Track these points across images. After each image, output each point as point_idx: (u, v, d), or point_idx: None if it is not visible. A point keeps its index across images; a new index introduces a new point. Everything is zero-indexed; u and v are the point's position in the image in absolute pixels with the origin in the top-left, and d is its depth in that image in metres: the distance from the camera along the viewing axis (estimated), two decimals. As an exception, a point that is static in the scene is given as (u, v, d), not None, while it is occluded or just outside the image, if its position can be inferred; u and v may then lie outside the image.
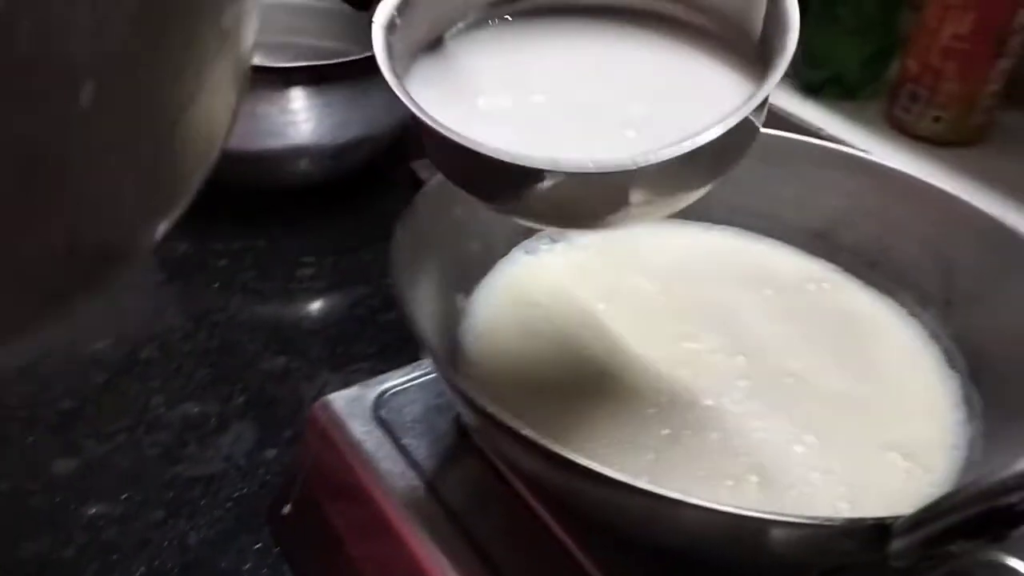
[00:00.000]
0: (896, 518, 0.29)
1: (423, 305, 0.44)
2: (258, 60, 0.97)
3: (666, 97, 0.38)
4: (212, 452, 0.69)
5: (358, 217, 0.95)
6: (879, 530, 0.29)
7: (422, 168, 1.01)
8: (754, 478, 0.42)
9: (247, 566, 0.62)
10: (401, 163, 1.03)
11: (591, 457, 0.41)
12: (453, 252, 0.51)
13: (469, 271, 0.53)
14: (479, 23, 0.43)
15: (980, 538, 0.31)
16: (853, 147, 0.61)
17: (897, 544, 0.29)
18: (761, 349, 0.49)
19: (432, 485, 0.48)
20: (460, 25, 0.43)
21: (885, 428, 0.45)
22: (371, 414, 0.52)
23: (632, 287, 0.54)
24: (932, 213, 0.53)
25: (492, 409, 0.34)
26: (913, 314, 0.53)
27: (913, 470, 0.43)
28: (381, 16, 0.40)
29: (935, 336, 0.52)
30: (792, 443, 0.44)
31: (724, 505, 0.29)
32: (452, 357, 0.47)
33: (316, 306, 0.84)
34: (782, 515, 0.31)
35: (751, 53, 0.39)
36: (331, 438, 0.52)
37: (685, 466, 0.42)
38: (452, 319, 0.50)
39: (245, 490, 0.67)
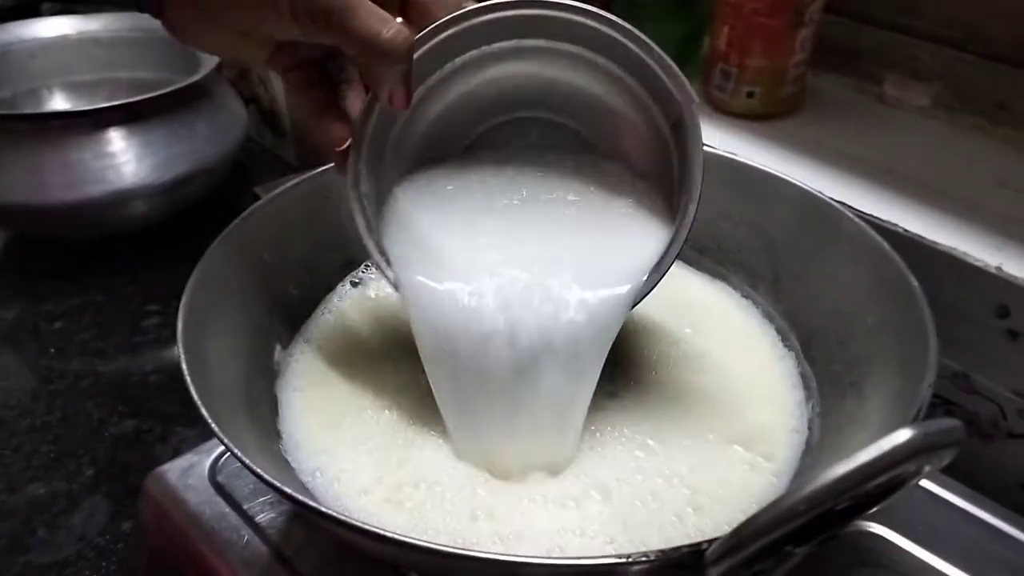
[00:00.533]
0: (711, 542, 0.29)
1: (224, 369, 0.42)
2: (66, 103, 0.91)
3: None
4: (64, 534, 0.65)
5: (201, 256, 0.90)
6: (694, 557, 0.29)
7: (265, 191, 0.98)
8: (596, 495, 0.41)
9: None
10: (244, 188, 0.99)
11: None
12: (264, 300, 0.48)
13: (288, 318, 0.50)
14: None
15: (807, 542, 0.31)
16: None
17: (715, 570, 0.28)
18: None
19: (279, 552, 0.45)
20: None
21: (727, 420, 0.45)
22: (208, 481, 0.49)
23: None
24: (752, 194, 0.53)
25: (294, 495, 0.32)
26: (746, 296, 0.54)
27: (756, 461, 0.43)
28: (350, 178, 0.43)
29: (769, 316, 0.52)
30: (634, 450, 0.43)
31: (537, 557, 0.28)
32: (265, 423, 0.44)
33: (165, 357, 0.79)
34: (594, 558, 0.30)
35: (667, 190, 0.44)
36: (167, 513, 0.48)
37: (524, 492, 0.41)
38: (265, 377, 0.47)
39: (104, 570, 0.63)
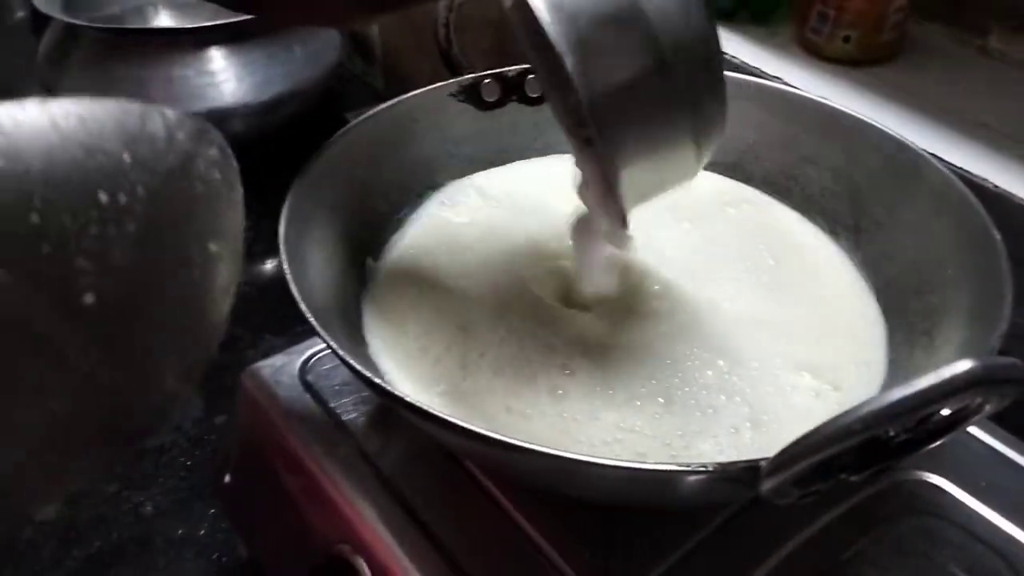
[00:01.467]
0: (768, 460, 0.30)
1: (319, 277, 0.45)
2: (171, 21, 0.95)
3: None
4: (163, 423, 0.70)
5: (294, 175, 0.93)
6: (751, 472, 0.30)
7: (355, 117, 1.00)
8: (660, 400, 0.42)
9: (202, 532, 0.64)
10: (335, 114, 1.02)
11: (501, 408, 0.42)
12: (356, 214, 0.51)
13: (377, 233, 0.53)
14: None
15: (862, 471, 0.32)
16: (765, 74, 0.61)
17: (767, 484, 0.30)
18: (676, 279, 0.50)
19: (363, 450, 0.49)
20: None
21: (799, 348, 0.46)
22: (299, 380, 0.53)
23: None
24: (841, 139, 0.53)
25: (388, 389, 0.35)
26: (831, 234, 0.54)
27: (822, 389, 0.44)
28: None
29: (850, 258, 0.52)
30: (704, 367, 0.44)
31: (597, 457, 0.30)
32: (353, 330, 0.47)
33: (256, 271, 0.84)
34: (653, 464, 0.32)
35: None
36: (260, 406, 0.52)
37: (601, 388, 0.43)
38: (354, 287, 0.50)
39: (197, 458, 0.68)
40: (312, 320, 0.38)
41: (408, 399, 0.34)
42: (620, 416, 0.42)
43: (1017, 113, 0.58)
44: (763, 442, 0.40)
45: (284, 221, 0.44)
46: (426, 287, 0.50)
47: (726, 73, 0.56)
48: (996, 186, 0.52)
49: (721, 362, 0.44)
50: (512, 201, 0.56)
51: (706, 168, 0.58)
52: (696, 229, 0.55)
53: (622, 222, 0.38)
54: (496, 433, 0.32)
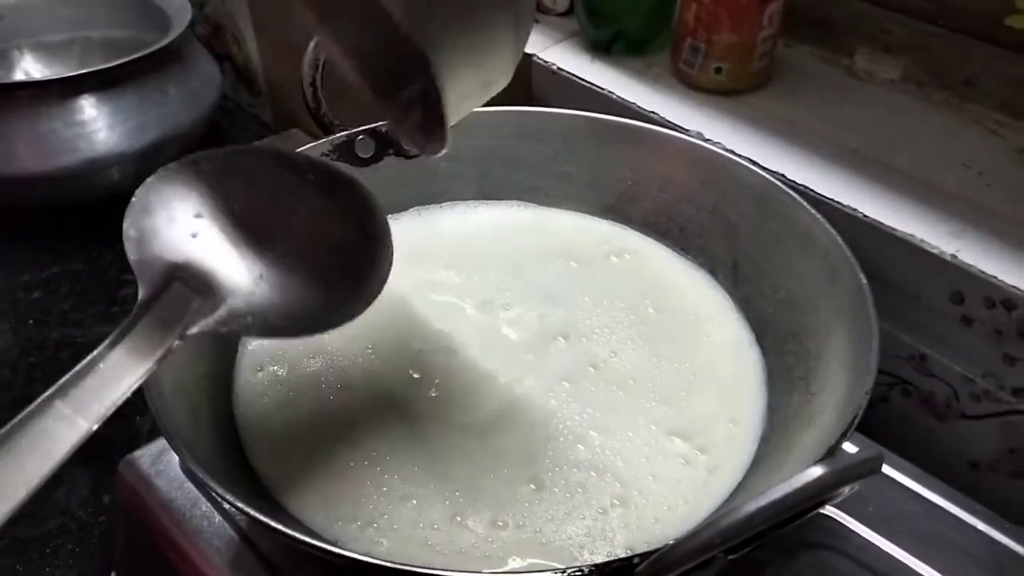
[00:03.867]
0: (643, 556, 0.30)
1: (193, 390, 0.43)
2: (37, 64, 0.89)
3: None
4: (48, 508, 0.67)
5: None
6: (624, 571, 0.30)
7: (243, 156, 0.97)
8: (531, 486, 0.42)
9: (96, 624, 0.61)
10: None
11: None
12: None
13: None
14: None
15: (737, 552, 0.32)
16: (641, 109, 0.61)
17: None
18: (569, 331, 0.50)
19: (247, 537, 0.47)
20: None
21: (671, 411, 0.46)
22: (180, 468, 0.50)
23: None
24: (714, 179, 0.53)
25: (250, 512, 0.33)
26: (712, 272, 0.54)
27: (692, 454, 0.44)
28: None
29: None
30: (576, 442, 0.44)
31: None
32: (222, 425, 0.45)
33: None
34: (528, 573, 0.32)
35: None
36: (141, 497, 0.50)
37: (479, 474, 0.42)
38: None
39: (85, 545, 0.65)
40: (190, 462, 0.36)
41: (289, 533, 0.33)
42: (494, 501, 0.41)
43: (887, 135, 0.59)
44: (630, 520, 0.40)
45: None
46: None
47: (599, 116, 0.57)
48: (866, 215, 0.53)
49: (594, 434, 0.44)
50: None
51: (585, 211, 0.58)
52: (583, 269, 0.55)
53: (443, 144, 0.36)
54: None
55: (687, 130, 0.59)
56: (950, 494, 0.49)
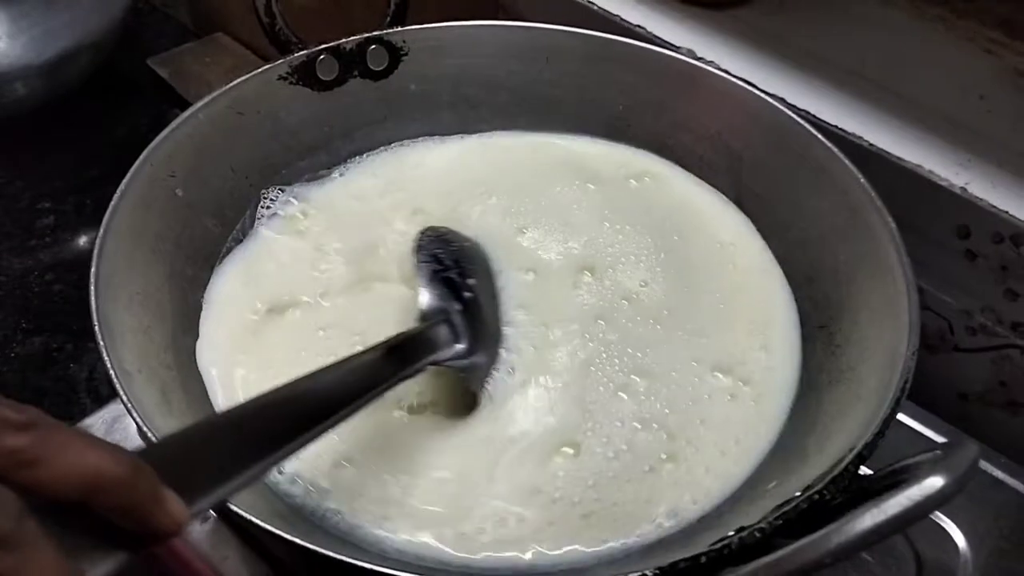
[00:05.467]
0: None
1: (150, 341, 0.37)
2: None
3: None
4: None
5: (99, 137, 0.81)
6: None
7: (161, 64, 0.88)
8: (568, 449, 0.39)
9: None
10: (137, 60, 0.89)
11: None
12: (184, 246, 0.43)
13: (211, 257, 0.45)
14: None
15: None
16: (625, 22, 0.56)
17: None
18: (595, 263, 0.47)
19: (226, 513, 0.43)
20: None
21: (711, 344, 0.43)
22: (139, 437, 0.45)
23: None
24: (716, 103, 0.49)
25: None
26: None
27: (737, 388, 0.41)
28: None
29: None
30: (617, 391, 0.41)
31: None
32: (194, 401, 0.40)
33: (67, 260, 0.72)
34: None
35: None
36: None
37: (500, 443, 0.39)
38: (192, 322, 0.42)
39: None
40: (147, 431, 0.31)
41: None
42: (527, 476, 0.38)
43: (883, 55, 0.56)
44: (681, 476, 0.38)
45: (94, 284, 0.36)
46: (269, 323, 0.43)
47: (587, 32, 0.52)
48: (872, 144, 0.50)
49: (637, 379, 0.41)
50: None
51: (584, 133, 0.53)
52: (600, 191, 0.50)
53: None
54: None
55: (677, 47, 0.54)
56: (938, 425, 0.48)
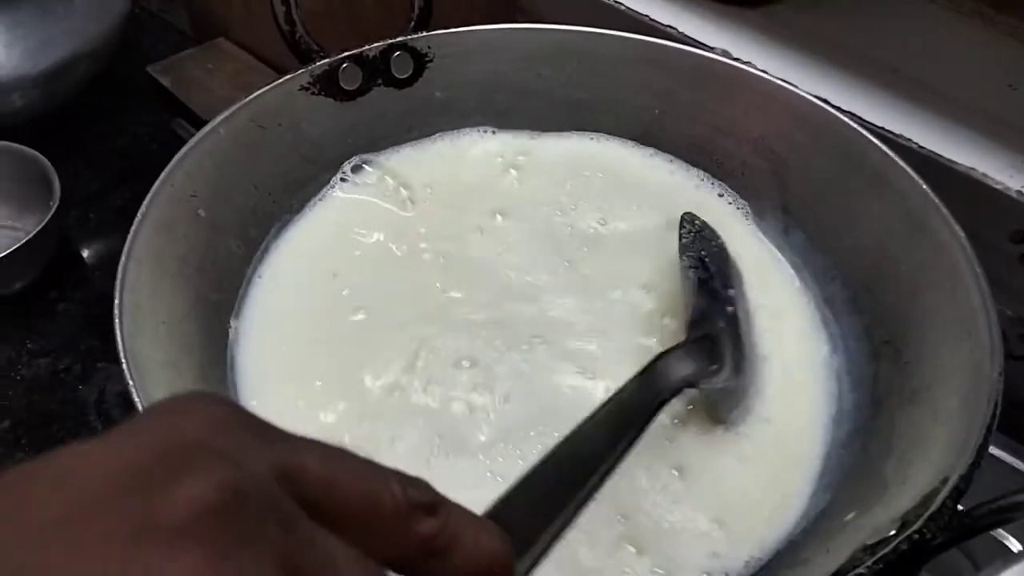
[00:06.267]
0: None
1: (172, 364, 0.35)
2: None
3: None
4: None
5: (100, 148, 0.78)
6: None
7: (161, 72, 0.85)
8: (627, 542, 0.35)
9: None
10: (136, 67, 0.86)
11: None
12: (207, 268, 0.40)
13: (236, 281, 0.43)
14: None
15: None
16: (656, 23, 0.54)
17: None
18: None
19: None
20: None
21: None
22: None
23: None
24: (758, 105, 0.47)
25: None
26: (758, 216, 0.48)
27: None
28: None
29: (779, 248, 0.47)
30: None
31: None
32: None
33: (71, 277, 0.70)
34: None
35: None
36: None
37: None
38: (220, 359, 0.40)
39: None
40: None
41: None
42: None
43: (921, 52, 0.53)
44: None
45: (119, 311, 0.34)
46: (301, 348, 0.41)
47: (620, 34, 0.49)
48: (921, 146, 0.48)
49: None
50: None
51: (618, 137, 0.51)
52: None
53: None
54: None
55: (711, 47, 0.52)
56: (1003, 443, 0.46)
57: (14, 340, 0.65)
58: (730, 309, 0.38)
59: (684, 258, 0.39)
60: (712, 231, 0.43)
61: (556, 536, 0.22)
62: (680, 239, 0.41)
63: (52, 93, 0.74)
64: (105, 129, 0.80)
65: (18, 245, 0.62)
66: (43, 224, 0.64)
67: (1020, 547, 0.46)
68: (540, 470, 0.24)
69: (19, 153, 0.69)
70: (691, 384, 0.34)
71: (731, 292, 0.39)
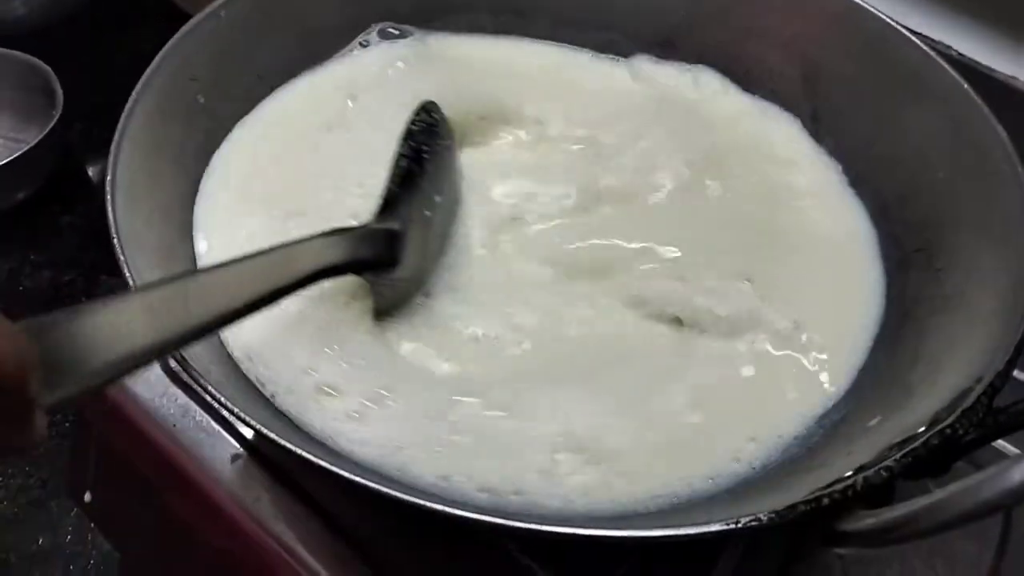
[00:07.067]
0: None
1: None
2: None
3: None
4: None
5: (103, 62, 0.76)
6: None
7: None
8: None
9: (68, 539, 0.53)
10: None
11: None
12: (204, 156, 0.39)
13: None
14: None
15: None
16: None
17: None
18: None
19: (256, 448, 0.39)
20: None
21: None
22: (162, 369, 0.42)
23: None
24: (791, 5, 0.44)
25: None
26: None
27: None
28: None
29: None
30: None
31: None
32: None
33: (75, 191, 0.68)
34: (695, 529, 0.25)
35: None
36: (116, 408, 0.41)
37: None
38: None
39: (46, 449, 0.56)
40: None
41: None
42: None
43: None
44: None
45: (111, 189, 0.32)
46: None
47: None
48: (961, 54, 0.45)
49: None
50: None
51: (626, 52, 0.49)
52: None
53: None
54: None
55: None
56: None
57: (17, 252, 0.64)
58: (427, 213, 0.36)
59: (403, 143, 0.36)
60: (448, 130, 0.40)
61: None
62: (410, 125, 0.38)
63: (55, 2, 0.72)
64: (111, 42, 0.77)
65: (17, 154, 0.61)
66: (44, 134, 0.62)
67: None
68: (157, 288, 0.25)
69: (21, 61, 0.67)
70: (349, 270, 0.32)
71: (437, 199, 0.37)
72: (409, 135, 0.37)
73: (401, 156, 0.36)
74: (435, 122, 0.39)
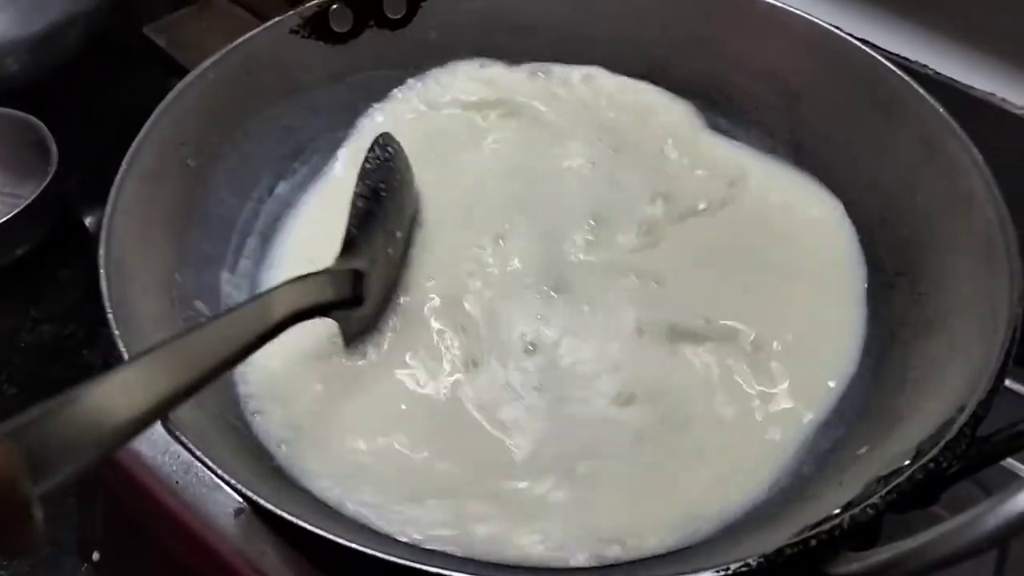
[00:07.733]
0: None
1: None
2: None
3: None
4: None
5: (97, 112, 0.77)
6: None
7: (157, 32, 0.83)
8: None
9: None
10: (132, 29, 0.85)
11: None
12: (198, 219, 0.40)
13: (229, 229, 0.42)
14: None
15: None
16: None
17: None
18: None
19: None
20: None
21: None
22: (163, 427, 0.42)
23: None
24: (770, 36, 0.45)
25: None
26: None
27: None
28: None
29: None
30: None
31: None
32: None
33: (73, 242, 0.69)
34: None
35: None
36: (119, 466, 0.42)
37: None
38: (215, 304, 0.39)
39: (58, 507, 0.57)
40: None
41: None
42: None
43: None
44: None
45: (104, 263, 0.33)
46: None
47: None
48: (938, 72, 0.46)
49: None
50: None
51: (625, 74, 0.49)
52: None
53: None
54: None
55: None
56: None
57: (18, 308, 0.64)
58: (390, 251, 0.37)
59: (360, 184, 0.37)
60: (405, 162, 0.41)
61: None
62: (364, 163, 0.38)
63: (46, 57, 0.73)
64: (102, 92, 0.78)
65: (16, 211, 0.61)
66: (41, 189, 0.63)
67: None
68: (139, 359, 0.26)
69: (15, 119, 0.68)
70: (319, 312, 0.33)
71: (398, 235, 0.38)
72: (364, 175, 0.38)
73: (358, 196, 0.37)
74: (390, 156, 0.40)
